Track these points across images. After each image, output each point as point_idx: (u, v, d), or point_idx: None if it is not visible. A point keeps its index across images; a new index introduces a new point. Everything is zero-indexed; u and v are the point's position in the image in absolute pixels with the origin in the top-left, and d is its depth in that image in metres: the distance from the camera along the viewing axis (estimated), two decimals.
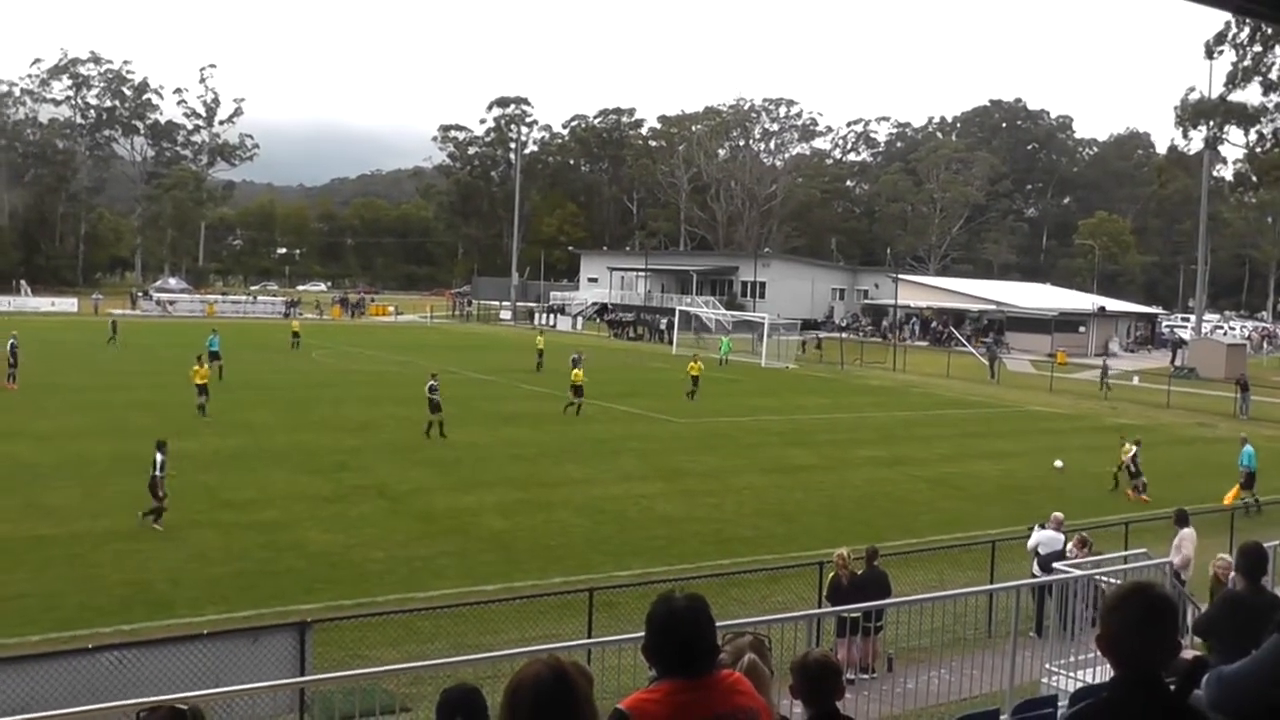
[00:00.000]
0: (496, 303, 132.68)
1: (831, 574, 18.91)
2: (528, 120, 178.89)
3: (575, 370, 49.37)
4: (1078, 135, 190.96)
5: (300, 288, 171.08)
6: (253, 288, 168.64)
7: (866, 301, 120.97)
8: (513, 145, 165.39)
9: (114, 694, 12.77)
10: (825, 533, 28.52)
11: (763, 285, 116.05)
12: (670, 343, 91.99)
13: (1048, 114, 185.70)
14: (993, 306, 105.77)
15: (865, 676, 16.76)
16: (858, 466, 39.89)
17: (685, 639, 4.75)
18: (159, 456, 27.04)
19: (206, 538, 26.09)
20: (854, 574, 18.68)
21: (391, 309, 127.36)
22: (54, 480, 31.55)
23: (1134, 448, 37.33)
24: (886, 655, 18.11)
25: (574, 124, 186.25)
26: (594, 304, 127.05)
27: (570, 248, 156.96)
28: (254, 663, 14.99)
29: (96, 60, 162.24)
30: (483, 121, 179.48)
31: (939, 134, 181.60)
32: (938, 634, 15.26)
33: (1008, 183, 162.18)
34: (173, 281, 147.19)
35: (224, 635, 16.18)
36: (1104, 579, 15.01)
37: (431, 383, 42.32)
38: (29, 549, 24.58)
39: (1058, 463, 42.17)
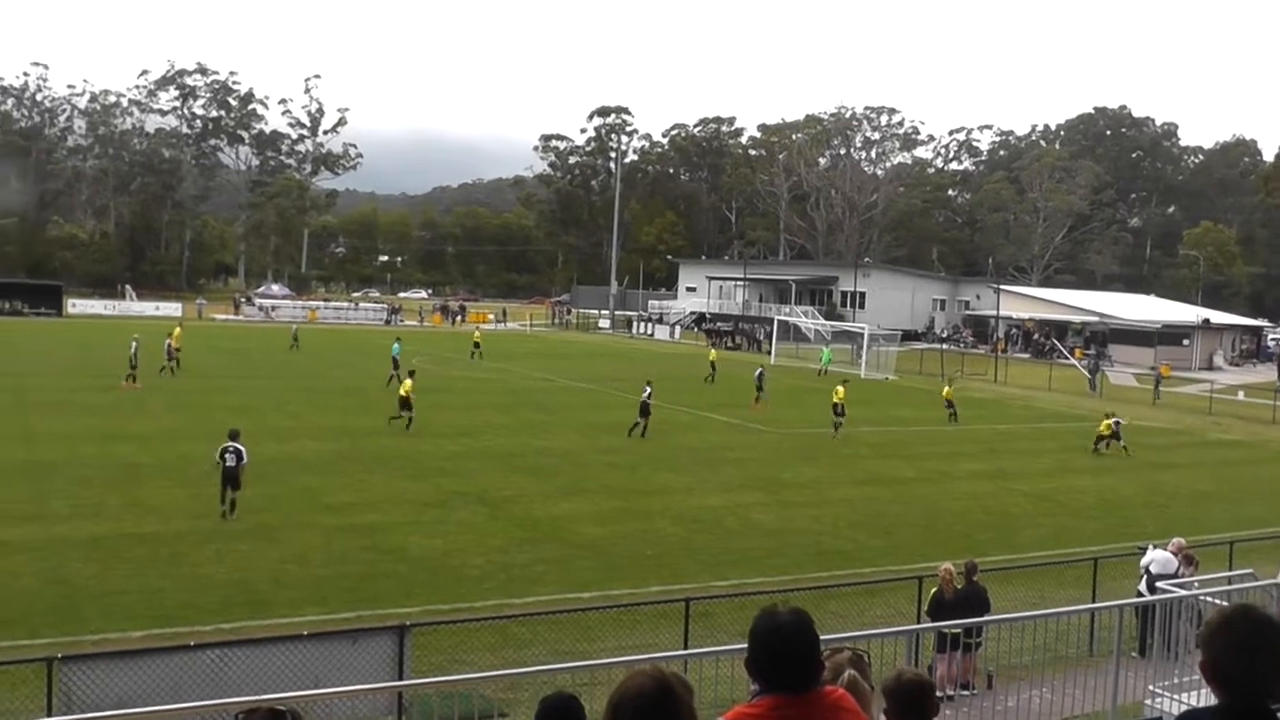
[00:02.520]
0: (595, 311, 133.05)
1: (933, 589, 18.72)
2: (628, 129, 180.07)
3: (838, 388, 49.22)
4: (1183, 143, 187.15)
5: (401, 295, 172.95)
6: (354, 294, 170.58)
7: (968, 313, 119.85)
8: (613, 154, 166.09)
9: (214, 692, 12.94)
10: (924, 547, 28.27)
11: (863, 295, 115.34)
12: (769, 353, 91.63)
13: (1152, 121, 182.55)
14: (1095, 318, 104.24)
15: (965, 693, 16.57)
16: (957, 480, 39.47)
17: (789, 654, 4.65)
18: (240, 446, 27.97)
19: (307, 540, 26.42)
20: (956, 589, 18.50)
21: (491, 317, 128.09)
22: (156, 480, 32.14)
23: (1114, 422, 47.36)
24: (986, 672, 17.89)
25: (674, 133, 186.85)
26: (692, 313, 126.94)
27: (669, 256, 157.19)
28: (353, 665, 15.10)
29: (203, 71, 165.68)
30: (583, 131, 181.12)
31: (1042, 142, 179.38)
32: (1038, 651, 14.98)
33: (1111, 191, 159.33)
34: (275, 288, 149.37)
35: (324, 636, 16.27)
36: (1207, 599, 14.70)
37: (647, 389, 45.05)
38: (132, 546, 25.06)
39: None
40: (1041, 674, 15.45)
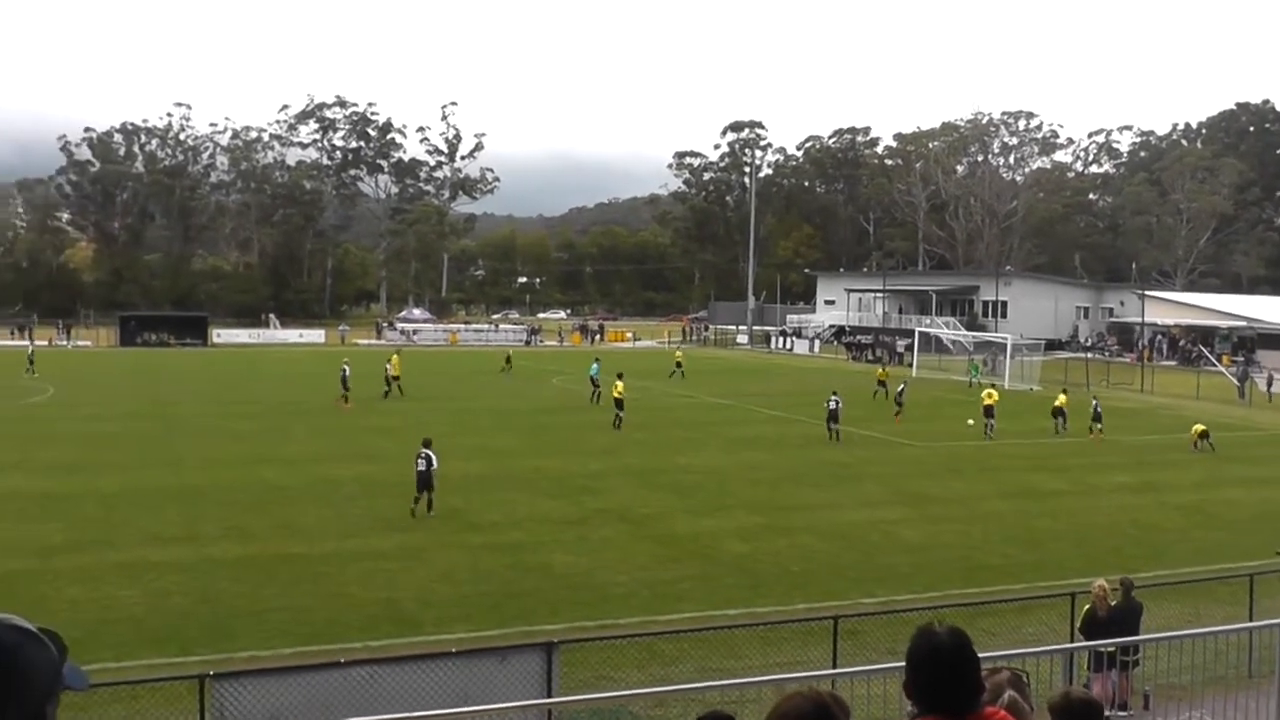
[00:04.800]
0: (733, 327, 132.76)
1: (1087, 606, 18.26)
2: (762, 143, 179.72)
3: (990, 391, 52.81)
4: None
5: (541, 315, 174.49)
6: (494, 316, 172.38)
7: (1112, 320, 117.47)
8: (747, 169, 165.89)
9: (364, 709, 13.08)
10: (1074, 562, 27.68)
11: (1004, 304, 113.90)
12: (910, 365, 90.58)
13: None
14: (1243, 323, 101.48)
15: (1121, 714, 16.19)
16: (1106, 493, 38.59)
17: (949, 675, 4.52)
18: (430, 453, 30.79)
19: (453, 558, 26.76)
20: (1110, 606, 18.03)
21: (630, 334, 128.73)
22: (302, 502, 32.93)
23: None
24: (1143, 692, 17.43)
25: (808, 145, 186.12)
26: (831, 326, 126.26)
27: (806, 270, 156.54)
28: (502, 682, 15.16)
29: (342, 104, 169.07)
30: (717, 146, 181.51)
31: (1183, 141, 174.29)
32: (1195, 671, 14.50)
33: (1256, 190, 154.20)
34: (417, 312, 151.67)
35: (472, 654, 16.34)
36: None
37: (834, 398, 48.06)
38: (279, 566, 25.72)
39: (970, 421, 50.67)
40: (1201, 695, 14.99)
